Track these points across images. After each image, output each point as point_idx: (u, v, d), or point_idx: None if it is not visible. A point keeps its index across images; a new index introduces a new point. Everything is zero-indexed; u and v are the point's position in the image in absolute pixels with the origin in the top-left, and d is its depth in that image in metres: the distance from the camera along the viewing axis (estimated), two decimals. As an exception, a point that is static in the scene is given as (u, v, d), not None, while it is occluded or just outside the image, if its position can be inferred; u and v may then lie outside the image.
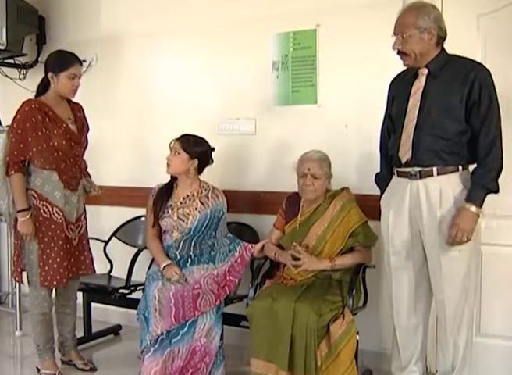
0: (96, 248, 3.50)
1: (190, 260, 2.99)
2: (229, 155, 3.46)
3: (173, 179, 3.07)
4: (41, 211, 2.93)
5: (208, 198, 3.03)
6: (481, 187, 2.38)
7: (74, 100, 3.10)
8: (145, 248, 3.30)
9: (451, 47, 2.49)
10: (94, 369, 3.24)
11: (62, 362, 3.26)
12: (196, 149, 2.99)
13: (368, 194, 2.97)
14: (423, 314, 2.64)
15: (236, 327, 3.16)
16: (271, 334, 2.63)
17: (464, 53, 2.51)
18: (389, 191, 2.63)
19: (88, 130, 3.17)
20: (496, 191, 2.40)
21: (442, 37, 2.44)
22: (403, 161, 2.49)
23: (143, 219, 3.50)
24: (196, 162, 2.99)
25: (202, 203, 3.01)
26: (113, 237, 3.76)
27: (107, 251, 3.74)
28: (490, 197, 2.42)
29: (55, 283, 2.95)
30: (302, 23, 3.27)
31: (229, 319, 3.06)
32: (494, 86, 2.40)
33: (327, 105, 3.26)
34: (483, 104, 2.36)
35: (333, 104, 3.24)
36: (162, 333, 2.74)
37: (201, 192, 3.04)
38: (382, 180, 2.71)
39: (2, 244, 4.43)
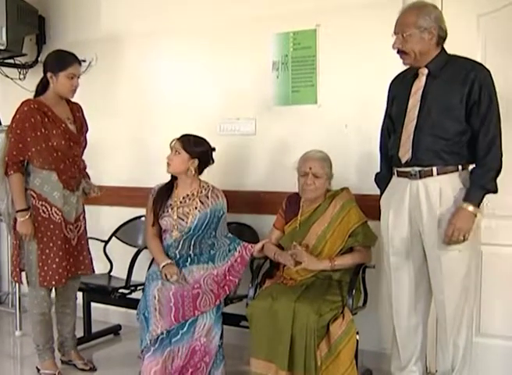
0: (96, 248, 3.51)
1: (189, 259, 2.99)
2: (229, 155, 3.46)
3: (173, 178, 3.08)
4: (40, 211, 2.93)
5: (207, 197, 3.03)
6: (480, 186, 2.37)
7: (74, 100, 3.10)
8: (145, 247, 3.30)
9: (451, 47, 2.48)
10: (93, 369, 3.23)
11: (62, 362, 3.26)
12: (196, 149, 2.99)
13: (368, 194, 2.97)
14: (423, 314, 2.64)
15: (235, 327, 3.16)
16: (271, 334, 2.63)
17: (464, 53, 2.51)
18: (389, 191, 2.63)
19: (87, 130, 3.17)
20: (495, 191, 2.39)
21: (442, 37, 2.44)
22: (403, 161, 2.49)
23: (143, 219, 3.50)
24: (196, 161, 2.99)
25: (202, 202, 3.01)
26: (113, 237, 3.76)
27: (107, 251, 3.74)
28: (489, 197, 2.43)
29: (53, 283, 2.95)
30: (302, 23, 3.27)
31: (229, 319, 3.06)
32: (494, 86, 2.40)
33: (327, 105, 3.26)
34: (483, 104, 2.36)
35: (333, 104, 3.24)
36: (162, 333, 2.74)
37: (201, 192, 3.04)
38: (382, 180, 2.70)
39: (2, 245, 4.42)
